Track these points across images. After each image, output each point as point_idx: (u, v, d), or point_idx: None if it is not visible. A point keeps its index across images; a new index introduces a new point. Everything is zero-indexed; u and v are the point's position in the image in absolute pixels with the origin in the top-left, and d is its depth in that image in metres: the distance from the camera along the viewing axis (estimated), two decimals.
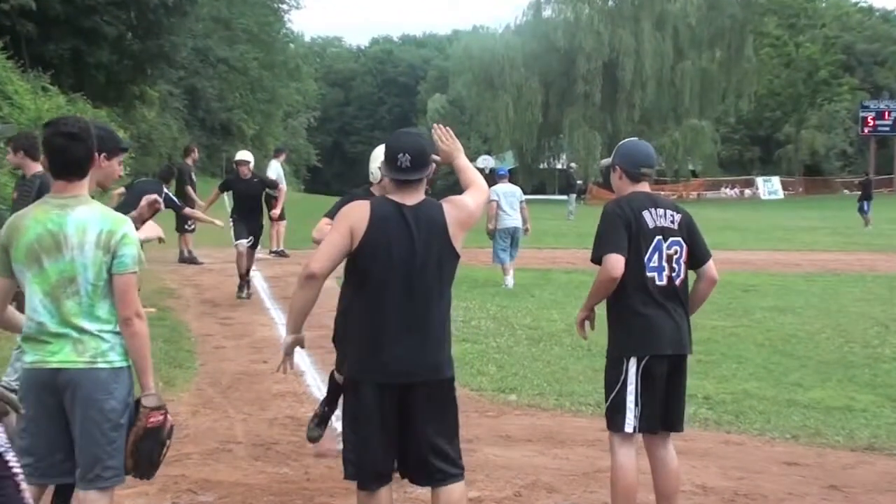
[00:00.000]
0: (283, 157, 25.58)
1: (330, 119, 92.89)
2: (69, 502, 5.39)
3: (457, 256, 4.82)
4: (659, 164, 62.00)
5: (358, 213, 4.73)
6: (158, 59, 40.12)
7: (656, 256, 5.23)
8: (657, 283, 5.21)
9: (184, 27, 41.06)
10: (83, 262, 4.24)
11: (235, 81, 57.03)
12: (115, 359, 4.30)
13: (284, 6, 65.62)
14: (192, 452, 6.96)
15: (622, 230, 5.23)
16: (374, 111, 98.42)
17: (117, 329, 4.32)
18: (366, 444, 4.76)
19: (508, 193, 16.59)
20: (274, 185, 16.97)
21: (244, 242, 14.74)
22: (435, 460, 4.78)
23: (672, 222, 5.34)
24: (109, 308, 4.31)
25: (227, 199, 16.51)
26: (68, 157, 4.35)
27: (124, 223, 4.40)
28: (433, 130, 5.22)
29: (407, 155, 4.70)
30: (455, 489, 4.84)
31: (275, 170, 22.85)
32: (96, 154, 4.51)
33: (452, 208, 4.82)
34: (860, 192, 36.60)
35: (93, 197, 4.72)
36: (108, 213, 4.40)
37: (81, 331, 4.26)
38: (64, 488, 5.41)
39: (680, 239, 5.33)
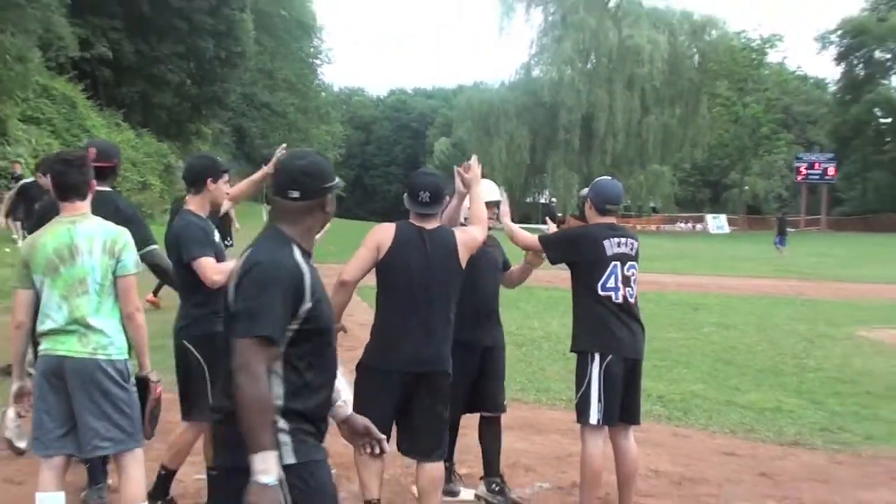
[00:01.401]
0: None
1: (353, 156, 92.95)
2: (100, 476, 5.46)
3: (462, 272, 4.91)
4: (626, 201, 62.31)
5: (385, 234, 4.89)
6: (212, 102, 40.34)
7: (612, 279, 5.26)
8: (613, 300, 5.24)
9: (234, 76, 41.27)
10: (92, 265, 4.31)
11: (275, 123, 57.25)
12: (113, 352, 4.33)
13: (318, 61, 66.14)
14: None
15: (569, 247, 5.47)
16: (389, 150, 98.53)
17: (118, 325, 4.38)
18: (370, 419, 4.80)
19: None
20: None
21: None
22: (424, 439, 4.89)
23: (631, 249, 5.40)
24: (113, 304, 4.37)
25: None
26: (67, 182, 4.44)
27: (124, 233, 4.47)
28: (472, 159, 5.34)
29: (427, 192, 4.86)
30: (437, 467, 4.96)
31: None
32: (91, 179, 4.55)
33: (462, 234, 4.96)
34: (776, 229, 37.11)
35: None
36: (110, 225, 4.48)
37: (87, 326, 4.29)
38: (93, 468, 5.46)
39: (636, 263, 5.39)
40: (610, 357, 5.19)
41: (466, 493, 5.87)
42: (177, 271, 5.16)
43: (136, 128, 34.11)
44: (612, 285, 5.25)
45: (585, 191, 5.69)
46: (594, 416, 5.18)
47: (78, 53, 29.19)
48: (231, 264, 5.12)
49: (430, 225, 4.89)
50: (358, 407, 4.90)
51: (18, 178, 17.12)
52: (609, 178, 5.92)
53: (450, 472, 5.68)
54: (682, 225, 68.29)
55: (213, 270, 4.91)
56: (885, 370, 11.12)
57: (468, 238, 4.96)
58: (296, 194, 3.07)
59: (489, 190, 5.60)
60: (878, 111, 71.07)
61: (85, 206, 4.46)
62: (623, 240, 5.37)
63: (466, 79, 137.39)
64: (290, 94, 59.11)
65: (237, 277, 2.99)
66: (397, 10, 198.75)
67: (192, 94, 38.04)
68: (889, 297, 20.51)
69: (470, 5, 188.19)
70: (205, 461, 5.37)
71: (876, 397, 9.54)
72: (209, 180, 5.21)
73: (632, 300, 5.34)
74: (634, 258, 5.40)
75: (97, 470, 5.45)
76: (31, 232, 5.04)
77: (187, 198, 5.34)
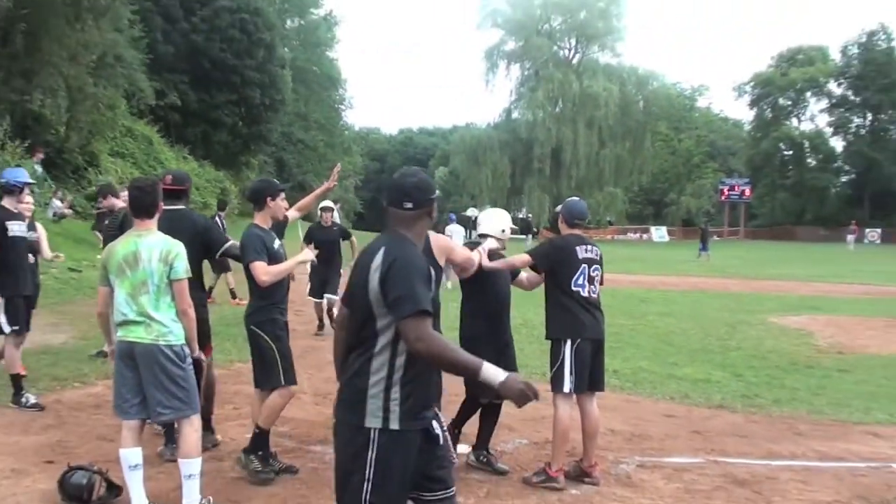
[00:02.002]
0: (338, 206, 25.62)
1: (370, 181, 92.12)
2: (174, 436, 5.51)
3: (439, 267, 4.88)
4: (588, 216, 62.22)
5: None
6: (258, 139, 40.33)
7: (582, 277, 5.31)
8: (581, 294, 5.29)
9: (276, 119, 41.28)
10: (151, 271, 4.36)
11: (308, 155, 57.08)
12: (172, 338, 4.38)
13: (342, 106, 65.88)
14: None
15: (552, 255, 5.41)
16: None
17: (174, 317, 4.42)
18: None
19: (456, 231, 18.13)
20: (348, 235, 11.26)
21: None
22: None
23: (595, 255, 5.45)
24: (169, 302, 4.41)
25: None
26: (139, 203, 4.50)
27: (177, 245, 4.49)
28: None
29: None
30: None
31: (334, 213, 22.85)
32: (159, 202, 4.59)
33: (434, 238, 4.89)
34: (700, 238, 37.38)
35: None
36: (168, 239, 4.52)
37: (151, 318, 4.35)
38: (169, 430, 5.51)
39: (600, 266, 5.43)
40: (579, 340, 5.22)
41: (461, 448, 5.89)
42: (245, 270, 5.18)
43: (198, 160, 34.12)
44: (581, 282, 5.31)
45: (559, 208, 5.74)
46: (567, 387, 5.22)
47: (154, 102, 29.25)
48: (282, 266, 5.17)
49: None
50: None
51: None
52: (577, 198, 5.97)
53: (457, 436, 5.65)
54: (632, 235, 68.21)
55: (262, 272, 4.98)
56: (790, 349, 11.18)
57: (438, 240, 4.94)
58: (409, 205, 3.02)
59: (508, 220, 5.73)
60: (782, 145, 71.53)
61: (151, 223, 4.51)
62: (589, 247, 5.43)
63: (460, 120, 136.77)
64: (321, 132, 58.93)
65: (380, 273, 2.86)
66: (407, 65, 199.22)
67: (243, 133, 38.02)
68: (792, 291, 20.56)
69: (463, 63, 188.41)
70: (252, 422, 5.42)
71: (782, 370, 9.59)
72: (269, 198, 5.25)
73: (595, 295, 5.39)
74: (598, 262, 5.45)
75: (172, 432, 5.50)
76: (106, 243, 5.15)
77: (255, 214, 5.34)
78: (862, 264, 32.56)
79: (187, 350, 4.47)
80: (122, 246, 4.44)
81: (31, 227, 7.33)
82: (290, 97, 44.12)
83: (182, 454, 4.47)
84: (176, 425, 4.62)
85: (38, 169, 19.23)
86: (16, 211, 6.84)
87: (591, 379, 5.32)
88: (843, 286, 22.40)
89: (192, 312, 4.47)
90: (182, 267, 4.42)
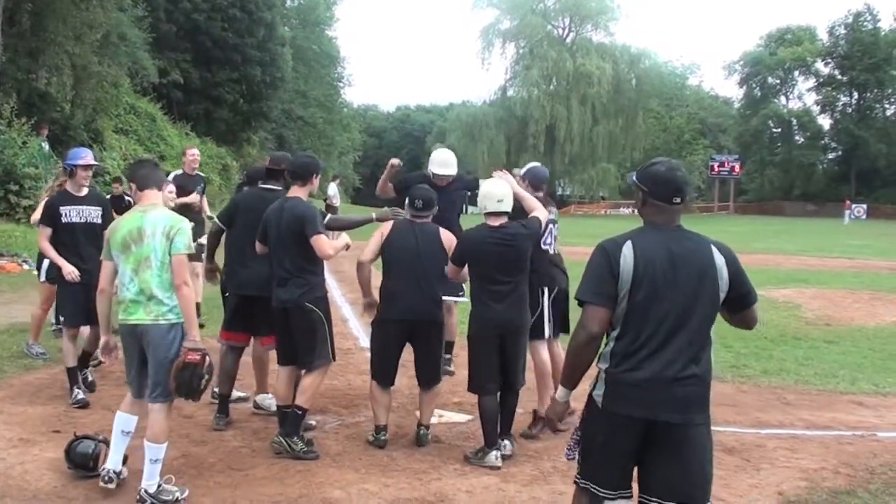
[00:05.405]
0: (338, 181, 25.63)
1: (368, 157, 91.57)
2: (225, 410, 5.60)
3: (445, 252, 5.16)
4: (581, 192, 62.49)
5: (385, 228, 5.28)
6: (259, 116, 40.11)
7: (550, 237, 5.63)
8: (551, 252, 5.65)
9: (276, 96, 41.02)
10: (154, 246, 4.25)
11: (308, 132, 56.67)
12: (171, 317, 4.24)
13: (341, 84, 65.22)
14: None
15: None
16: (397, 153, 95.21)
17: (174, 297, 4.26)
18: (383, 357, 5.22)
19: None
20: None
21: None
22: (424, 370, 5.25)
23: (554, 216, 5.69)
24: (170, 279, 4.26)
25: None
26: (139, 176, 4.47)
27: (181, 221, 4.38)
28: (494, 172, 5.43)
29: (421, 201, 5.23)
30: (434, 389, 5.31)
31: (333, 188, 22.85)
32: (163, 176, 4.62)
33: (444, 233, 5.30)
34: None
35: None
36: (171, 214, 4.46)
37: (151, 297, 4.23)
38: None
39: (557, 224, 5.74)
40: (556, 289, 5.59)
41: (450, 416, 5.90)
42: (296, 245, 4.95)
43: (200, 136, 33.91)
44: (549, 241, 5.62)
45: (523, 172, 5.86)
46: (547, 332, 5.54)
47: (157, 80, 29.08)
48: (339, 242, 5.14)
49: (421, 220, 5.22)
50: (374, 349, 5.30)
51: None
52: (538, 164, 6.15)
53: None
54: (625, 210, 68.13)
55: (329, 246, 4.95)
56: (778, 321, 11.16)
57: (448, 238, 5.24)
58: (678, 200, 3.06)
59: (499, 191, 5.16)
60: (770, 123, 71.39)
61: (156, 196, 4.42)
62: (552, 209, 5.69)
63: (456, 97, 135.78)
64: (320, 109, 58.39)
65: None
66: (404, 44, 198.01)
67: (244, 110, 37.76)
68: (779, 264, 20.57)
69: (460, 41, 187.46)
70: (275, 399, 5.39)
71: (770, 342, 9.59)
72: (314, 175, 5.20)
73: (556, 251, 5.75)
74: (556, 221, 5.72)
75: (226, 404, 5.62)
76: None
77: (294, 188, 5.17)
78: (848, 238, 32.57)
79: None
80: (126, 221, 4.35)
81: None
82: (290, 75, 43.78)
83: (150, 437, 4.27)
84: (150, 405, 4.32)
85: (45, 146, 19.11)
86: (79, 195, 6.12)
87: (561, 324, 5.66)
88: (830, 260, 22.40)
89: (186, 290, 4.21)
90: (183, 242, 4.28)
